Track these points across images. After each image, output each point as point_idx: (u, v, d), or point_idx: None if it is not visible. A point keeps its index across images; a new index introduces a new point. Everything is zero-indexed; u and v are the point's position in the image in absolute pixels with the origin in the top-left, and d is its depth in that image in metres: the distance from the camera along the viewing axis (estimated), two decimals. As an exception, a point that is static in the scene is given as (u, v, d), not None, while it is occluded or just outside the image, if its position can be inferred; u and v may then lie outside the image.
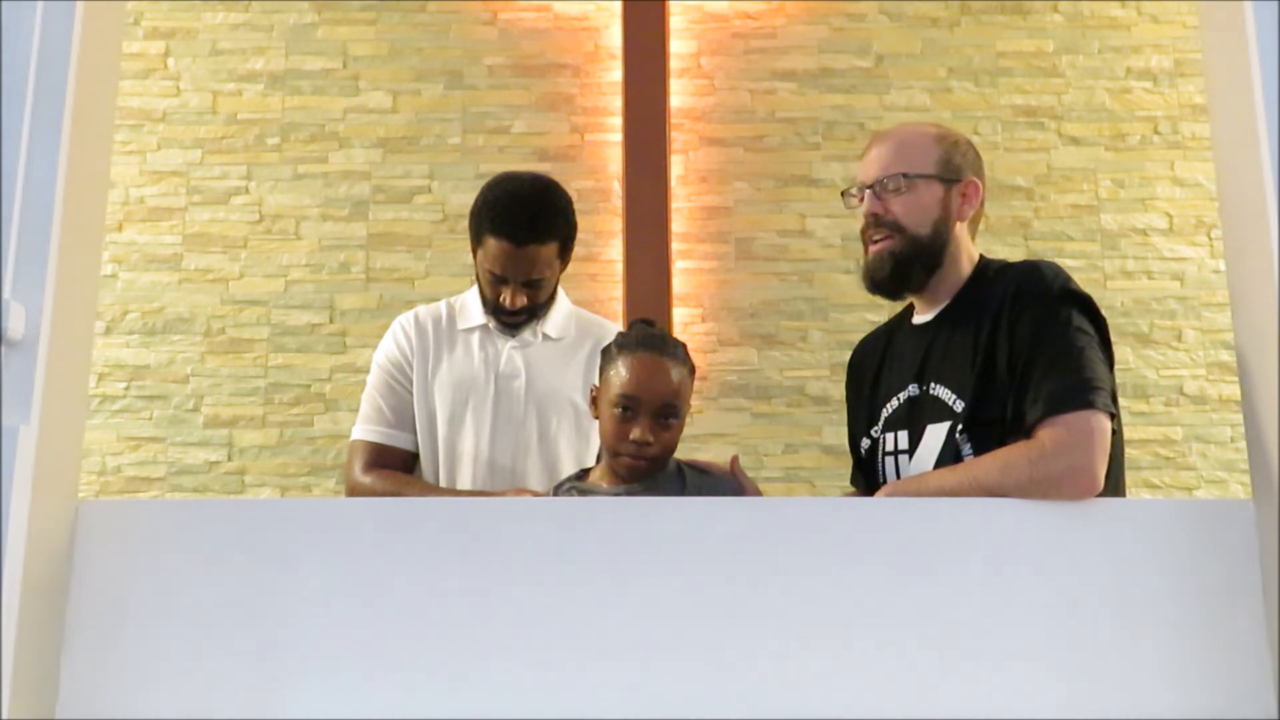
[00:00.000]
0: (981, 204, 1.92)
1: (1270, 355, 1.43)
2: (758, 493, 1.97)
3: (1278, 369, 1.41)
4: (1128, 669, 1.46)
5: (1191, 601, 1.48)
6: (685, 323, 3.74)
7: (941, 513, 1.54)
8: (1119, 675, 1.46)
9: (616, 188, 3.83)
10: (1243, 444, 2.58)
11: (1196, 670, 1.46)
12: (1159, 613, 1.48)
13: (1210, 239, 3.80)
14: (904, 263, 1.86)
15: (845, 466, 2.04)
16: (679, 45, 3.95)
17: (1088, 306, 1.77)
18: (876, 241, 1.88)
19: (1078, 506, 1.54)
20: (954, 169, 1.88)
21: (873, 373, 1.97)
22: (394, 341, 2.26)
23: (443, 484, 2.17)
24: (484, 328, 2.25)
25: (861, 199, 1.89)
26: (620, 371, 1.89)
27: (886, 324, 2.04)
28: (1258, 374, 1.49)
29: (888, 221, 1.86)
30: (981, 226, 1.98)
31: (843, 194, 1.95)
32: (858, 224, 1.92)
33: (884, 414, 1.89)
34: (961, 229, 1.89)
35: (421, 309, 2.31)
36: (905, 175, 1.86)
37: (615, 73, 3.91)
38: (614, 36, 3.94)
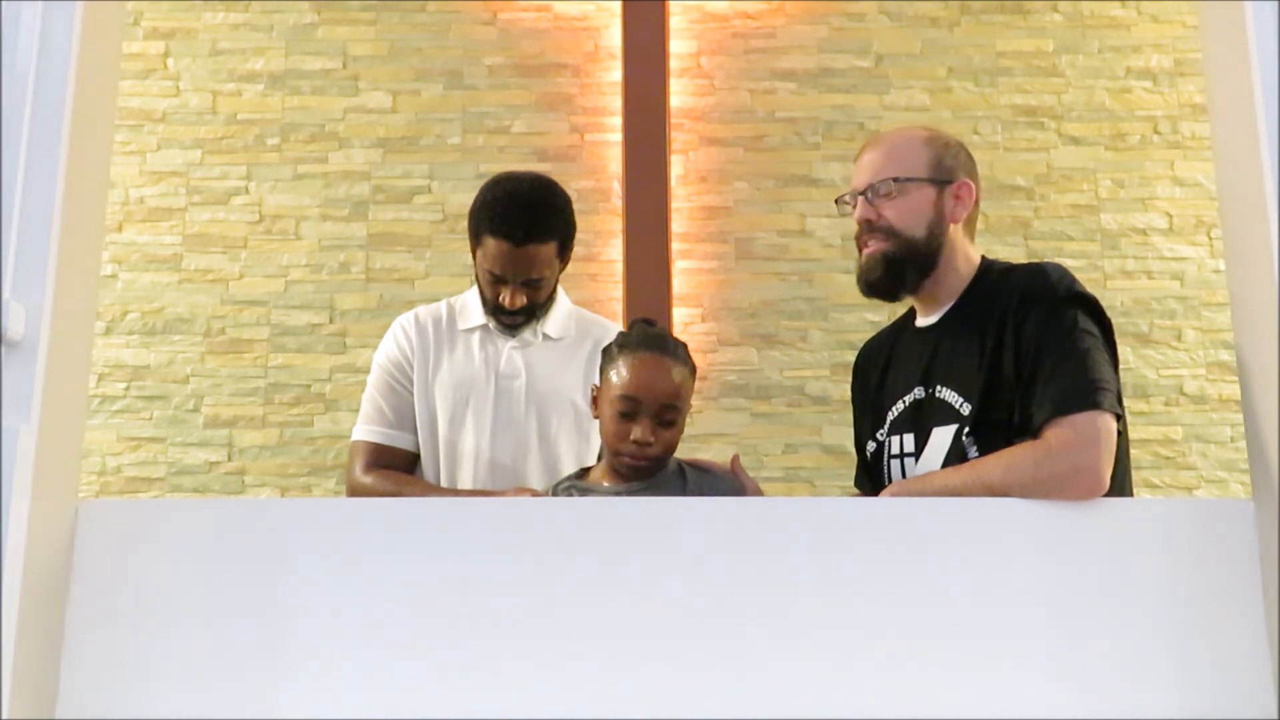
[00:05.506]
0: (976, 204, 1.92)
1: (1270, 355, 1.43)
2: (758, 492, 1.97)
3: (1278, 369, 1.41)
4: (1127, 669, 1.46)
5: (1191, 601, 1.48)
6: (685, 323, 3.74)
7: (943, 513, 1.54)
8: (1119, 675, 1.46)
9: (616, 188, 3.82)
10: (1243, 444, 2.57)
11: (1196, 670, 1.46)
12: (1159, 613, 1.48)
13: (1210, 239, 3.80)
14: (897, 264, 1.86)
15: (845, 466, 2.05)
16: (679, 45, 3.95)
17: (1093, 308, 1.77)
18: (870, 245, 1.88)
19: (1077, 506, 1.54)
20: (945, 170, 1.88)
21: (877, 376, 1.97)
22: (394, 342, 2.26)
23: (443, 484, 2.17)
24: (484, 328, 2.25)
25: (855, 205, 1.90)
26: (621, 371, 1.89)
27: (891, 326, 2.04)
28: (1258, 374, 1.49)
29: (881, 226, 1.86)
30: (981, 226, 1.98)
31: (836, 201, 1.96)
32: (854, 227, 1.93)
33: (890, 417, 1.89)
34: (957, 230, 1.89)
35: (422, 309, 2.31)
36: (896, 180, 1.86)
37: (615, 73, 3.90)
38: (614, 36, 3.93)
